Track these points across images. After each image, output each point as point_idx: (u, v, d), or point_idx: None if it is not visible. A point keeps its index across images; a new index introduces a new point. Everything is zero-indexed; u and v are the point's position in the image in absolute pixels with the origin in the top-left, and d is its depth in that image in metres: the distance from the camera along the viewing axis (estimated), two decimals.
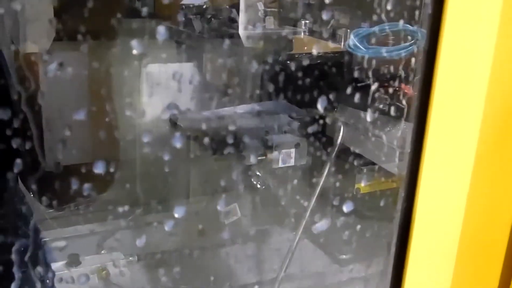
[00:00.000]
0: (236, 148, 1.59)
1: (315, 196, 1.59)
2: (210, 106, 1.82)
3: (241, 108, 1.82)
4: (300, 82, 1.52)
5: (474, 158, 0.59)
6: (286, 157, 1.65)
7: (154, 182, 1.66)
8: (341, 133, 1.58)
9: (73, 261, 1.62)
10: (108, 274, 1.64)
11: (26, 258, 0.92)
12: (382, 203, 1.46)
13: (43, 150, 0.90)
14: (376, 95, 1.41)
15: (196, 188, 1.94)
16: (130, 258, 1.71)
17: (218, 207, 1.79)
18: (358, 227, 1.52)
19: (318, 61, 1.64)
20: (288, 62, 1.63)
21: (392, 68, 1.42)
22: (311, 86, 1.51)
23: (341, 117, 1.60)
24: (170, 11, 1.87)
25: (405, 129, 1.40)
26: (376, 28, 1.45)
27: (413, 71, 1.31)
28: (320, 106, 1.36)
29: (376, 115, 1.43)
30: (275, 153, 1.64)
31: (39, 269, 0.97)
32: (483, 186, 0.61)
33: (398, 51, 1.41)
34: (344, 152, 1.61)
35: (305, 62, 1.62)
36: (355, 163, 1.63)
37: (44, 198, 0.94)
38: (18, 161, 0.83)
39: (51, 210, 1.33)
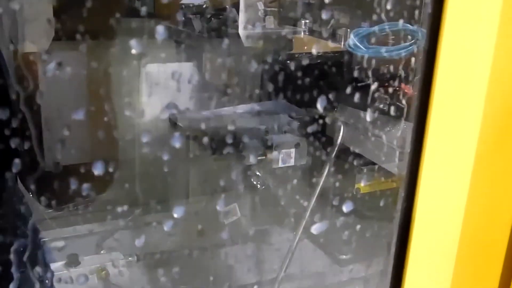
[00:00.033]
0: (235, 148, 1.58)
1: (315, 196, 1.59)
2: (210, 105, 1.82)
3: (240, 108, 1.82)
4: (300, 82, 1.52)
5: (474, 158, 0.59)
6: (286, 157, 1.65)
7: (153, 182, 1.66)
8: (341, 133, 1.58)
9: (72, 261, 1.62)
10: (107, 274, 1.64)
11: (25, 258, 0.92)
12: (382, 203, 1.46)
13: (42, 150, 0.90)
14: (376, 94, 1.41)
15: (196, 188, 1.94)
16: (130, 258, 1.71)
17: (218, 207, 1.79)
18: (358, 227, 1.52)
19: (318, 61, 1.63)
20: (288, 61, 1.63)
21: (392, 68, 1.42)
22: (311, 86, 1.50)
23: (341, 117, 1.60)
24: (169, 11, 1.87)
25: (405, 129, 1.40)
26: (376, 28, 1.45)
27: (413, 71, 1.31)
28: (320, 106, 1.36)
29: (376, 115, 1.43)
30: (275, 153, 1.64)
31: (38, 269, 0.97)
32: (483, 186, 0.61)
33: (398, 50, 1.41)
34: (344, 152, 1.61)
35: (305, 62, 1.61)
36: (355, 163, 1.63)
37: (43, 198, 0.94)
38: (17, 161, 0.83)
39: (50, 210, 1.32)
